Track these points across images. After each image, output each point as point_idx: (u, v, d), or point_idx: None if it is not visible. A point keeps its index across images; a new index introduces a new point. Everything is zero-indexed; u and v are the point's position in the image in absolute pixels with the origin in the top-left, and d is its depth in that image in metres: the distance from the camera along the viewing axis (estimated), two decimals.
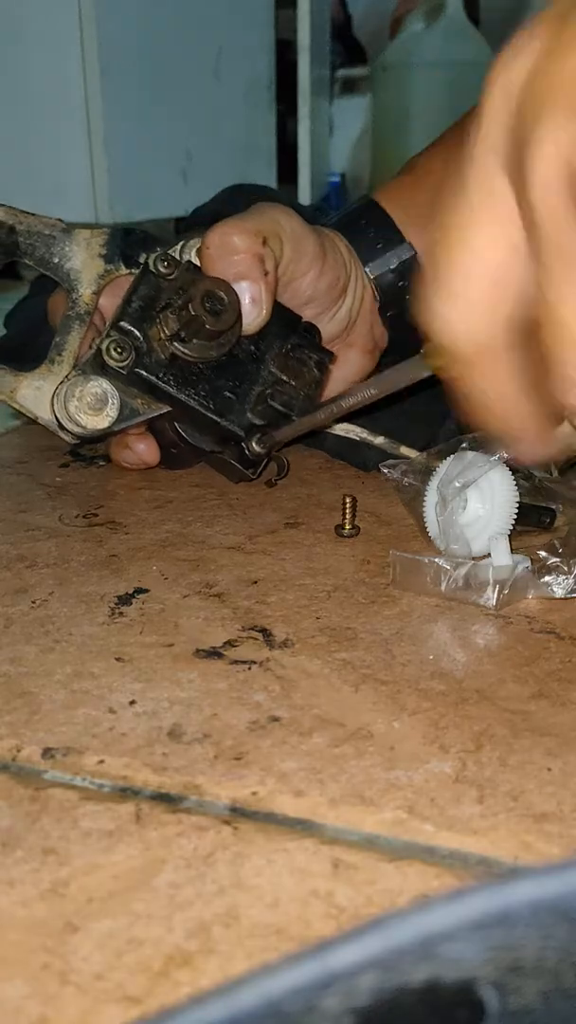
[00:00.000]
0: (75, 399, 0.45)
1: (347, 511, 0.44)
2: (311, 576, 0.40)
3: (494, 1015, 0.14)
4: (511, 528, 0.39)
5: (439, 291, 0.27)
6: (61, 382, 0.46)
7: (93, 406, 0.45)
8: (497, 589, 0.36)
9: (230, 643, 0.35)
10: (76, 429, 0.45)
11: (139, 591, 0.39)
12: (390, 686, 0.32)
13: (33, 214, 0.48)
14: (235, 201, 0.60)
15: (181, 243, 0.46)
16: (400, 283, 0.51)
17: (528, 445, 0.29)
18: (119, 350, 0.44)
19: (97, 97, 1.04)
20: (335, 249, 0.49)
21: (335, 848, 0.25)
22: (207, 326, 0.43)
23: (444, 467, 0.40)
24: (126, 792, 0.27)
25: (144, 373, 0.44)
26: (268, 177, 1.45)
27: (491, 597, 0.36)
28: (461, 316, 0.26)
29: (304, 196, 1.55)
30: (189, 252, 0.46)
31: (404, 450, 0.49)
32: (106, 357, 0.44)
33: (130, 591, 0.39)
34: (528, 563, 0.37)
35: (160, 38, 1.13)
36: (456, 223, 0.25)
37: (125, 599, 0.38)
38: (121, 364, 0.44)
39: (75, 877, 0.24)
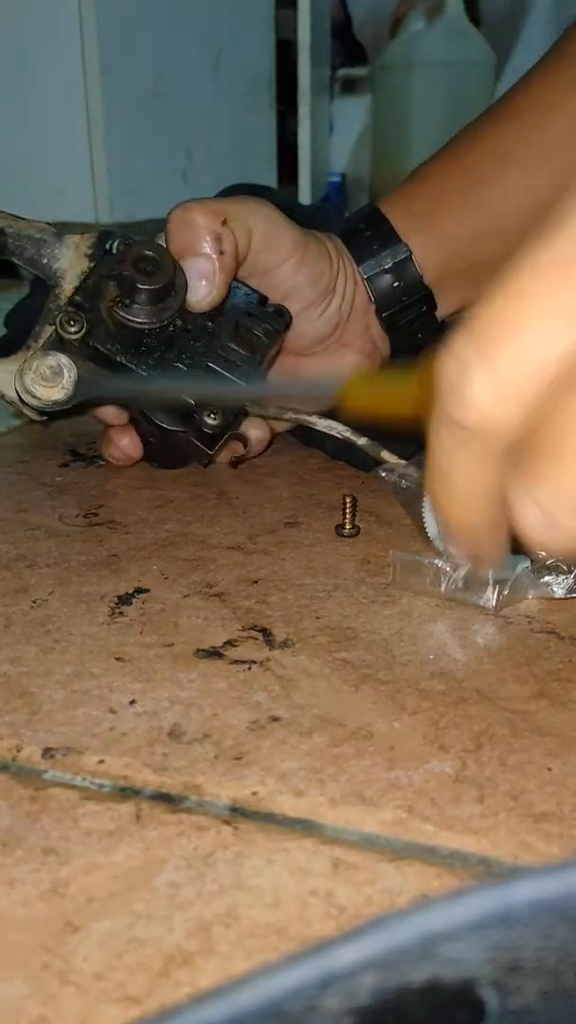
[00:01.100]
0: (31, 372, 0.46)
1: (347, 511, 0.44)
2: (311, 576, 0.40)
3: (494, 1015, 0.14)
4: None
5: (482, 362, 0.21)
6: (28, 358, 0.47)
7: (48, 378, 0.46)
8: (496, 589, 0.36)
9: (230, 643, 0.35)
10: (33, 402, 0.47)
11: (139, 591, 0.39)
12: (390, 686, 0.32)
13: (26, 219, 0.50)
14: None
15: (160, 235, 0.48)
16: (395, 284, 0.51)
17: (480, 556, 0.29)
18: (72, 323, 0.45)
19: (97, 97, 1.05)
20: (319, 246, 0.49)
21: (335, 848, 0.25)
22: (139, 285, 0.44)
23: None
24: (126, 792, 0.27)
25: (93, 343, 0.46)
26: (268, 177, 1.45)
27: (491, 598, 0.36)
28: (495, 404, 0.21)
29: (304, 196, 1.54)
30: (158, 239, 0.48)
31: (385, 454, 0.49)
32: (60, 331, 0.46)
33: (130, 591, 0.39)
34: (527, 563, 0.37)
35: (160, 38, 1.13)
36: (530, 291, 0.20)
37: (125, 599, 0.38)
38: (74, 337, 0.45)
39: (75, 877, 0.24)
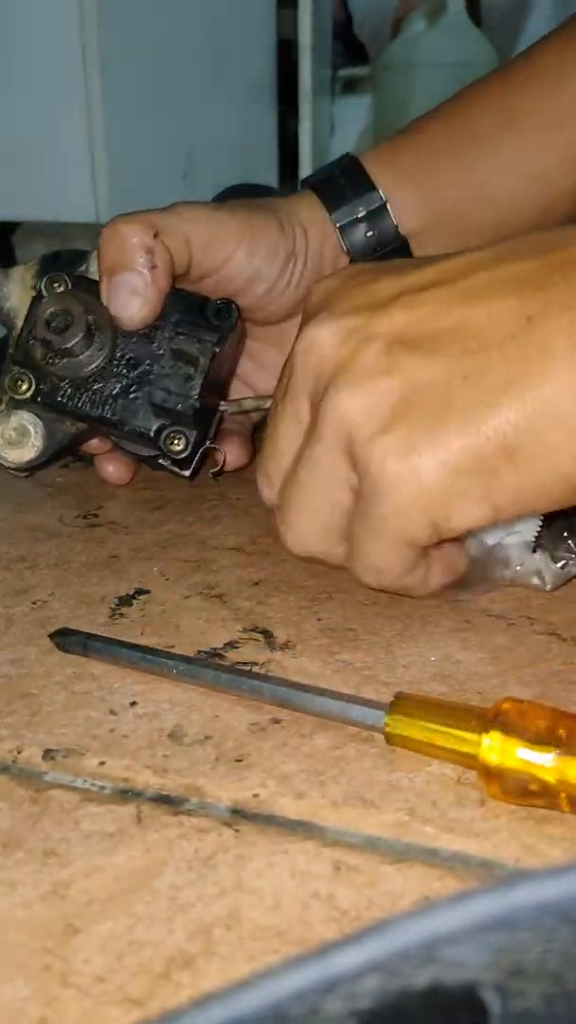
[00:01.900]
0: None
1: None
2: (312, 577, 0.40)
3: (496, 1018, 0.14)
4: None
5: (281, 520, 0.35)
6: None
7: (14, 441, 0.45)
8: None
9: (231, 644, 0.35)
10: (8, 464, 0.46)
11: (140, 592, 0.39)
12: (392, 687, 0.32)
13: None
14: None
15: (94, 254, 0.46)
16: (369, 233, 0.49)
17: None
18: (19, 383, 0.45)
19: (98, 97, 1.04)
20: (265, 218, 0.47)
21: (336, 850, 0.25)
22: (57, 346, 0.43)
23: None
24: (127, 794, 0.27)
25: (44, 399, 0.45)
26: (269, 177, 1.44)
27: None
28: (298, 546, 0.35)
29: None
30: (95, 263, 0.46)
31: None
32: (11, 393, 0.45)
33: (131, 592, 0.39)
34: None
35: (161, 38, 1.13)
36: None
37: (126, 600, 0.38)
38: (24, 396, 0.45)
39: (76, 879, 0.24)
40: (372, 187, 0.49)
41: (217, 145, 1.27)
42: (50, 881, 0.24)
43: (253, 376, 0.52)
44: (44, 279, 0.45)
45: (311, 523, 0.34)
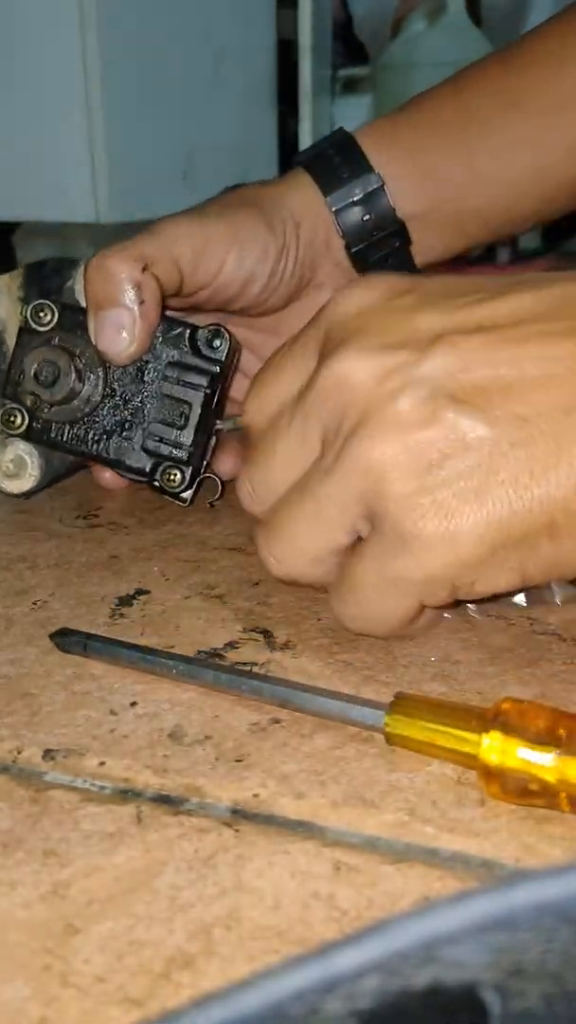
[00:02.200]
0: None
1: None
2: None
3: (496, 1018, 0.14)
4: None
5: (266, 543, 0.33)
6: None
7: (12, 473, 0.45)
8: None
9: (231, 644, 0.35)
10: (8, 494, 0.46)
11: (140, 592, 0.39)
12: (392, 688, 0.32)
13: None
14: None
15: (81, 267, 0.45)
16: (365, 217, 0.48)
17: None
18: (11, 418, 0.44)
19: (98, 97, 1.04)
20: (252, 217, 0.46)
21: (336, 850, 0.25)
22: (45, 400, 0.44)
23: None
24: (127, 794, 0.27)
25: (37, 437, 0.45)
26: (269, 177, 1.44)
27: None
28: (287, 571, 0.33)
29: None
30: (80, 281, 0.45)
31: None
32: (4, 427, 0.45)
33: (131, 592, 0.39)
34: None
35: (161, 38, 1.13)
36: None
37: (126, 600, 0.38)
38: (18, 431, 0.44)
39: (76, 879, 0.24)
40: (369, 167, 0.48)
41: (217, 145, 1.27)
42: (50, 881, 0.24)
43: (255, 368, 0.52)
44: (30, 308, 0.44)
45: (300, 553, 0.32)
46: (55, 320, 0.44)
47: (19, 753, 0.29)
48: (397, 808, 0.26)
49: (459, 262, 0.62)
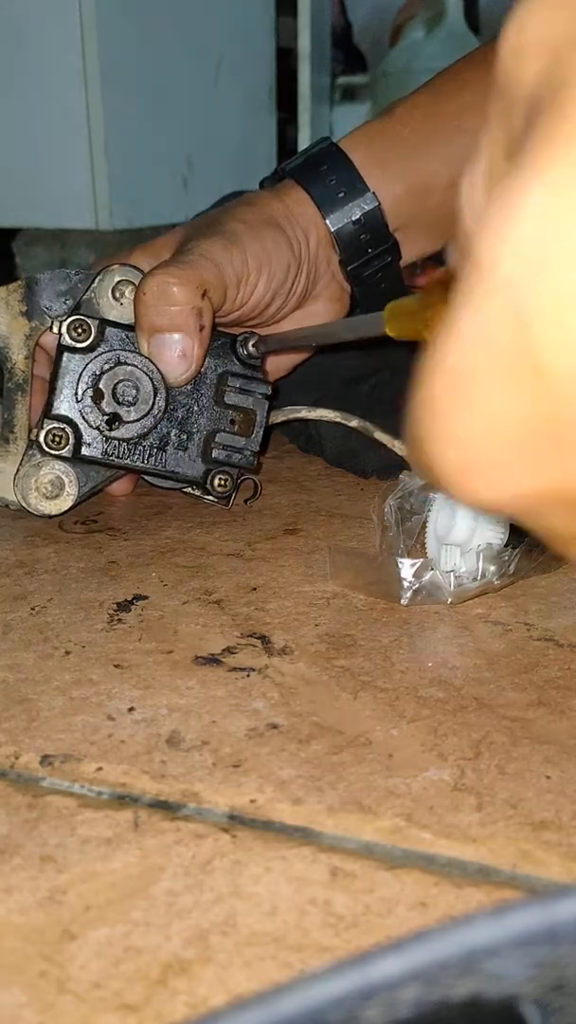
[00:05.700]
0: (33, 491, 0.45)
1: None
2: (310, 583, 0.40)
3: None
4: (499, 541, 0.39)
5: (437, 428, 0.16)
6: (18, 469, 0.45)
7: (51, 494, 0.45)
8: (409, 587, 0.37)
9: (229, 650, 0.35)
10: (43, 515, 0.45)
11: (138, 598, 0.39)
12: (389, 693, 0.32)
13: None
14: None
15: (98, 277, 0.45)
16: (362, 236, 0.48)
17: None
18: (56, 440, 0.44)
19: (98, 104, 1.05)
20: (278, 237, 0.46)
21: (333, 856, 0.25)
22: (126, 419, 0.44)
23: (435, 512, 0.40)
24: (124, 799, 0.27)
25: (87, 455, 0.45)
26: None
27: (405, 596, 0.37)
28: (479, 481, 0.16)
29: None
30: (104, 295, 0.45)
31: (379, 435, 0.49)
32: (45, 447, 0.44)
33: (129, 598, 0.39)
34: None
35: (161, 46, 1.13)
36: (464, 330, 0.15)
37: (124, 606, 0.38)
38: (61, 452, 0.44)
39: (73, 885, 0.24)
40: (364, 187, 0.48)
41: (217, 152, 1.27)
42: (47, 887, 0.24)
43: None
44: (66, 323, 0.44)
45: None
46: (92, 336, 0.44)
47: (16, 758, 0.29)
48: (394, 814, 0.26)
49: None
